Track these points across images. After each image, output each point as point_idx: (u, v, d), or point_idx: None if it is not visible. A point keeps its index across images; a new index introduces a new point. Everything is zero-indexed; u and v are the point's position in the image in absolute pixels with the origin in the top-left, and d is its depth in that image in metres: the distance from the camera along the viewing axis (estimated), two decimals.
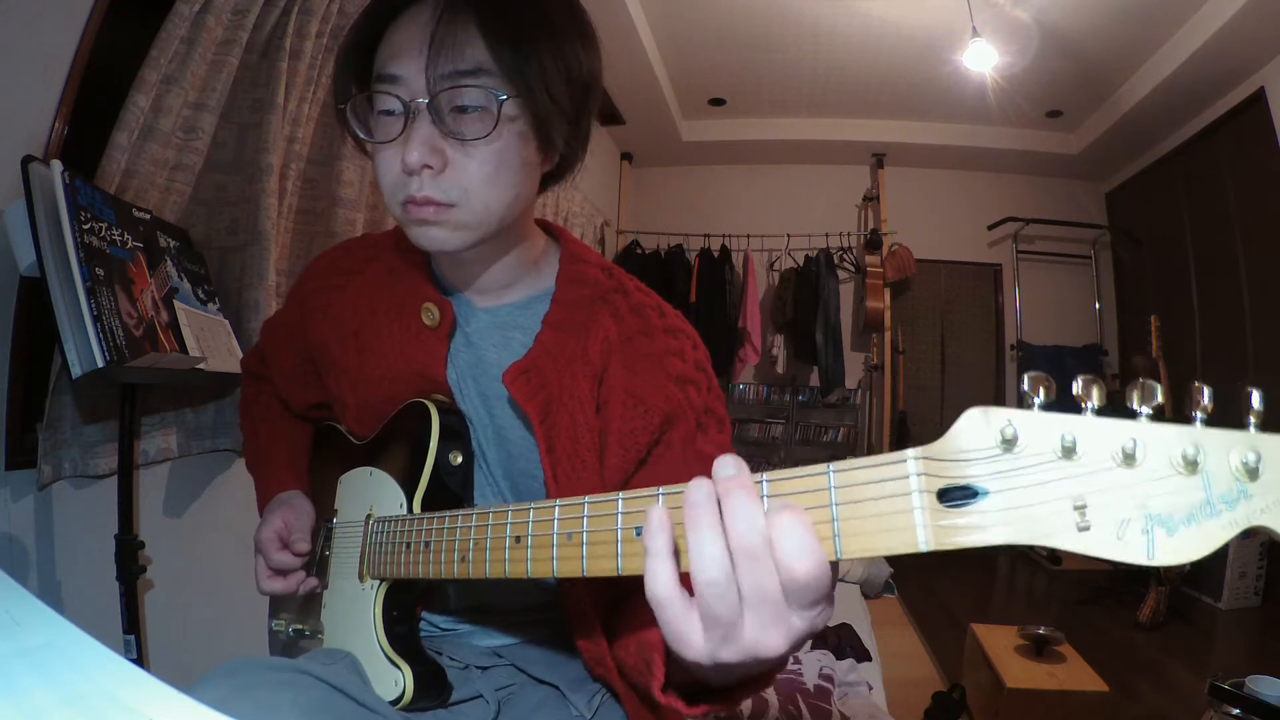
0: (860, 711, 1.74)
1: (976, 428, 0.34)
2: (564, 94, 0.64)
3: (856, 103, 4.44)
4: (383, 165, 0.63)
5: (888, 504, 0.35)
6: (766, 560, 0.36)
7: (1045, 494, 0.32)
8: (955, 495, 0.34)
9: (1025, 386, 0.33)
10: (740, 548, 0.36)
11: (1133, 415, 0.31)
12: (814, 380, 4.80)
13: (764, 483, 0.38)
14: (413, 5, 0.62)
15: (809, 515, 0.36)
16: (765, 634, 0.37)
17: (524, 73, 0.60)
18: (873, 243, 4.67)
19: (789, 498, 0.38)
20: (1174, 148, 4.15)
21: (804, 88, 4.27)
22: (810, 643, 2.15)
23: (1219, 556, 3.14)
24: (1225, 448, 0.30)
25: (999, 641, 2.08)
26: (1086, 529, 0.31)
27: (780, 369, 4.70)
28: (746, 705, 1.73)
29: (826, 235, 4.79)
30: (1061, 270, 4.95)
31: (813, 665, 1.92)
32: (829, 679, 1.85)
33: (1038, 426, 0.32)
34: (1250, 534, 0.29)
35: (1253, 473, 0.29)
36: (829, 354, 4.52)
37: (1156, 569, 2.69)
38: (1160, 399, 0.31)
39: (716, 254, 4.81)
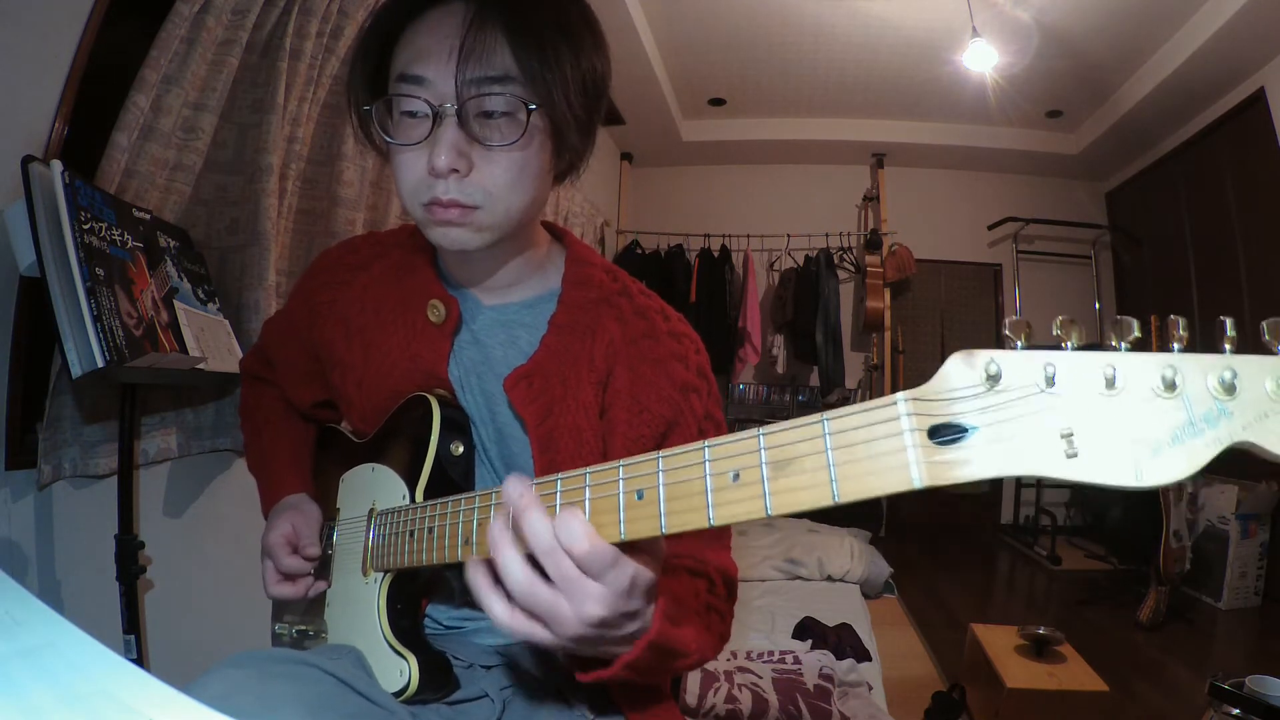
0: (860, 711, 1.74)
1: (961, 368, 0.35)
2: (581, 102, 0.65)
3: (856, 103, 4.44)
4: (404, 166, 0.63)
5: (881, 445, 0.36)
6: (558, 551, 0.46)
7: (1032, 425, 0.33)
8: (945, 433, 0.34)
9: (1007, 331, 0.35)
10: (538, 549, 0.47)
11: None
12: (814, 380, 4.80)
13: (760, 436, 0.40)
14: (435, 7, 0.62)
15: (807, 461, 0.38)
16: (583, 607, 0.47)
17: (548, 81, 0.61)
18: (873, 243, 4.67)
19: (785, 448, 0.39)
20: (1174, 148, 4.15)
21: (804, 88, 4.27)
22: (810, 642, 2.15)
23: (1219, 556, 3.15)
24: (1203, 370, 0.31)
25: (999, 641, 2.08)
26: (1074, 456, 0.32)
27: (780, 369, 4.70)
28: (747, 704, 1.73)
29: (826, 235, 4.79)
30: (1061, 270, 4.95)
31: (813, 665, 1.92)
32: (829, 679, 1.85)
33: (1020, 362, 0.33)
34: (1234, 452, 0.30)
35: (1230, 389, 0.30)
36: (829, 354, 4.52)
37: (1157, 568, 2.69)
38: (1138, 333, 0.32)
39: (716, 254, 4.81)
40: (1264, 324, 0.30)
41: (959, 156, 4.83)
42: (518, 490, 0.48)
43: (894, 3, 3.30)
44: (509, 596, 0.49)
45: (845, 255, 4.86)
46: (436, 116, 0.61)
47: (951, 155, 4.83)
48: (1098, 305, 4.90)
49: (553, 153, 0.67)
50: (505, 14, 0.60)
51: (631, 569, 0.47)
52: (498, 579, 0.50)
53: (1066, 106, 4.24)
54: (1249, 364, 0.30)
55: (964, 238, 5.05)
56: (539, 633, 0.49)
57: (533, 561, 0.48)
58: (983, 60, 3.39)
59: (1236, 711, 1.51)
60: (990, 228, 4.91)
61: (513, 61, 0.61)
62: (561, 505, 0.48)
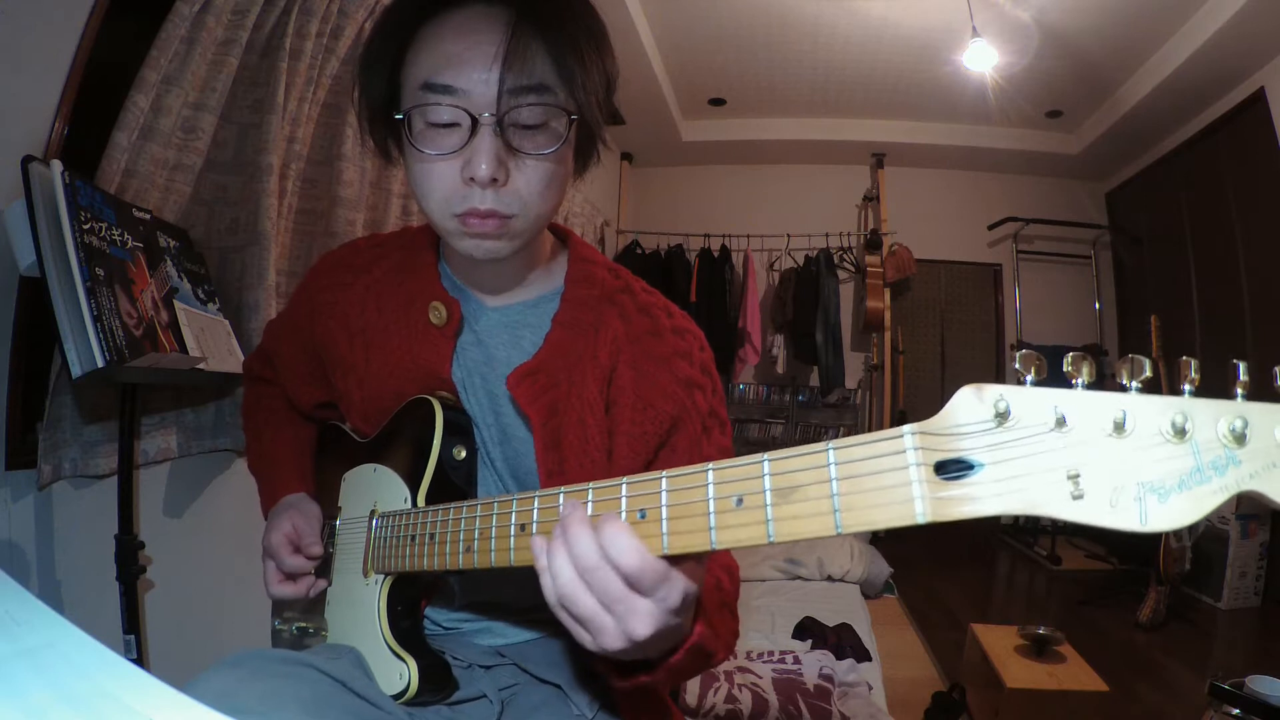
0: (860, 711, 1.74)
1: (970, 403, 0.34)
2: (605, 106, 0.66)
3: (856, 103, 4.44)
4: (433, 176, 0.62)
5: (887, 478, 0.35)
6: (604, 568, 0.43)
7: (1038, 464, 0.32)
8: (951, 468, 0.34)
9: (1017, 365, 0.34)
10: (581, 565, 0.44)
11: (1123, 390, 0.32)
12: (814, 380, 4.80)
13: (765, 462, 0.40)
14: (453, 10, 0.61)
15: (811, 490, 0.38)
16: (630, 624, 0.44)
17: (584, 89, 0.61)
18: (873, 243, 4.67)
19: (790, 475, 0.39)
20: (1174, 148, 4.14)
21: (804, 88, 4.27)
22: (810, 642, 2.15)
23: (1219, 556, 3.15)
24: (1213, 416, 0.30)
25: (999, 641, 2.08)
26: (1080, 498, 0.31)
27: (780, 369, 4.70)
28: (747, 704, 1.73)
29: (826, 235, 4.79)
30: (1061, 270, 4.95)
31: (813, 665, 1.92)
32: (829, 679, 1.85)
33: (1029, 400, 0.33)
34: (1241, 498, 0.30)
35: (1240, 438, 0.30)
36: (829, 354, 4.52)
37: (1157, 568, 2.69)
38: (1149, 373, 0.32)
39: (716, 254, 4.81)
40: (1277, 370, 0.30)
41: (959, 156, 4.83)
42: (566, 507, 0.47)
43: (894, 3, 3.30)
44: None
45: (845, 255, 4.85)
46: (475, 125, 0.59)
47: (951, 155, 4.82)
48: (1098, 305, 4.90)
49: (574, 156, 0.68)
50: (542, 22, 0.60)
51: (682, 584, 0.45)
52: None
53: (1066, 106, 4.24)
54: (1261, 412, 0.30)
55: (964, 238, 5.05)
56: (579, 633, 0.47)
57: None
58: (983, 60, 3.39)
59: (1236, 711, 1.52)
60: (990, 228, 4.91)
61: (553, 70, 0.60)
62: (606, 517, 0.45)
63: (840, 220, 4.97)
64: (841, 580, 2.90)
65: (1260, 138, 3.35)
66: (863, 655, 2.12)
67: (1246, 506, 3.16)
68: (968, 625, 2.27)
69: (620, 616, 0.44)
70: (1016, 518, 4.70)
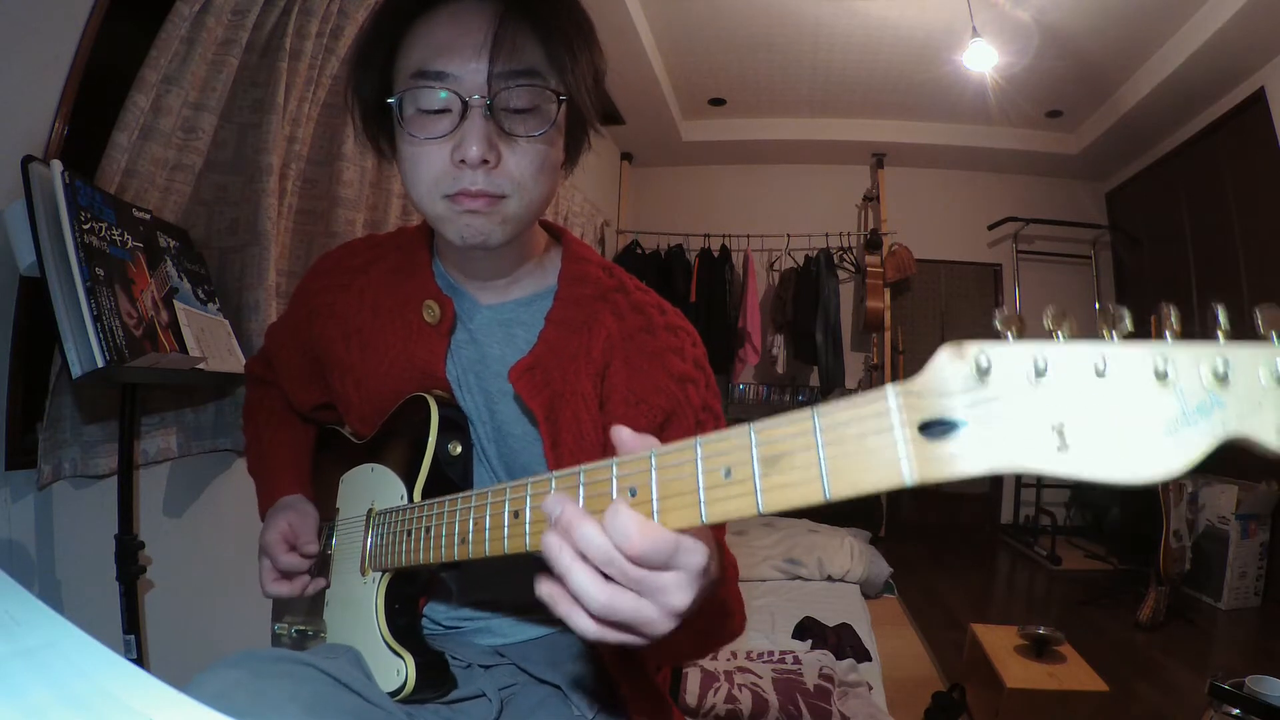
0: (860, 711, 1.74)
1: (951, 361, 0.34)
2: (596, 95, 0.67)
3: (856, 103, 4.44)
4: (423, 160, 0.63)
5: (872, 441, 0.35)
6: (620, 558, 0.41)
7: (1023, 418, 0.32)
8: (935, 428, 0.34)
9: (998, 324, 0.34)
10: (598, 562, 0.42)
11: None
12: (814, 380, 4.80)
13: (752, 431, 0.39)
14: (444, 5, 0.63)
15: (798, 457, 0.37)
16: (667, 600, 0.42)
17: (573, 74, 0.63)
18: (873, 243, 4.67)
19: (776, 444, 0.38)
20: (1174, 148, 4.14)
21: (804, 88, 4.27)
22: (810, 642, 2.15)
23: (1219, 556, 3.15)
24: (1195, 360, 0.30)
25: (999, 641, 2.08)
26: (1066, 449, 0.30)
27: (780, 369, 4.70)
28: (746, 704, 1.73)
29: (826, 235, 4.79)
30: (1061, 270, 4.95)
31: (813, 665, 1.92)
32: (829, 679, 1.85)
33: (1010, 355, 0.33)
34: (1230, 443, 0.29)
35: (1223, 379, 0.29)
36: (829, 354, 4.52)
37: (1157, 568, 2.68)
38: (1129, 325, 0.31)
39: (716, 254, 4.81)
40: (1257, 310, 0.29)
41: (959, 156, 4.83)
42: (558, 506, 0.43)
43: (894, 3, 3.30)
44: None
45: (845, 255, 4.85)
46: (465, 109, 0.61)
47: (951, 155, 4.82)
48: (1098, 305, 4.86)
49: (564, 146, 0.68)
50: (531, 13, 0.62)
51: (701, 546, 0.43)
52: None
53: (1066, 106, 4.24)
54: (1242, 353, 0.29)
55: (964, 238, 5.04)
56: (633, 640, 0.45)
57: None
58: (983, 60, 3.39)
59: (1236, 711, 1.52)
60: (990, 228, 4.91)
61: (542, 57, 0.62)
62: (611, 506, 0.42)
63: (840, 220, 4.97)
64: (841, 580, 2.89)
65: (1260, 138, 3.35)
66: (863, 655, 2.12)
67: (1246, 506, 3.17)
68: (968, 625, 2.27)
69: (657, 597, 0.42)
70: (1018, 517, 4.71)
